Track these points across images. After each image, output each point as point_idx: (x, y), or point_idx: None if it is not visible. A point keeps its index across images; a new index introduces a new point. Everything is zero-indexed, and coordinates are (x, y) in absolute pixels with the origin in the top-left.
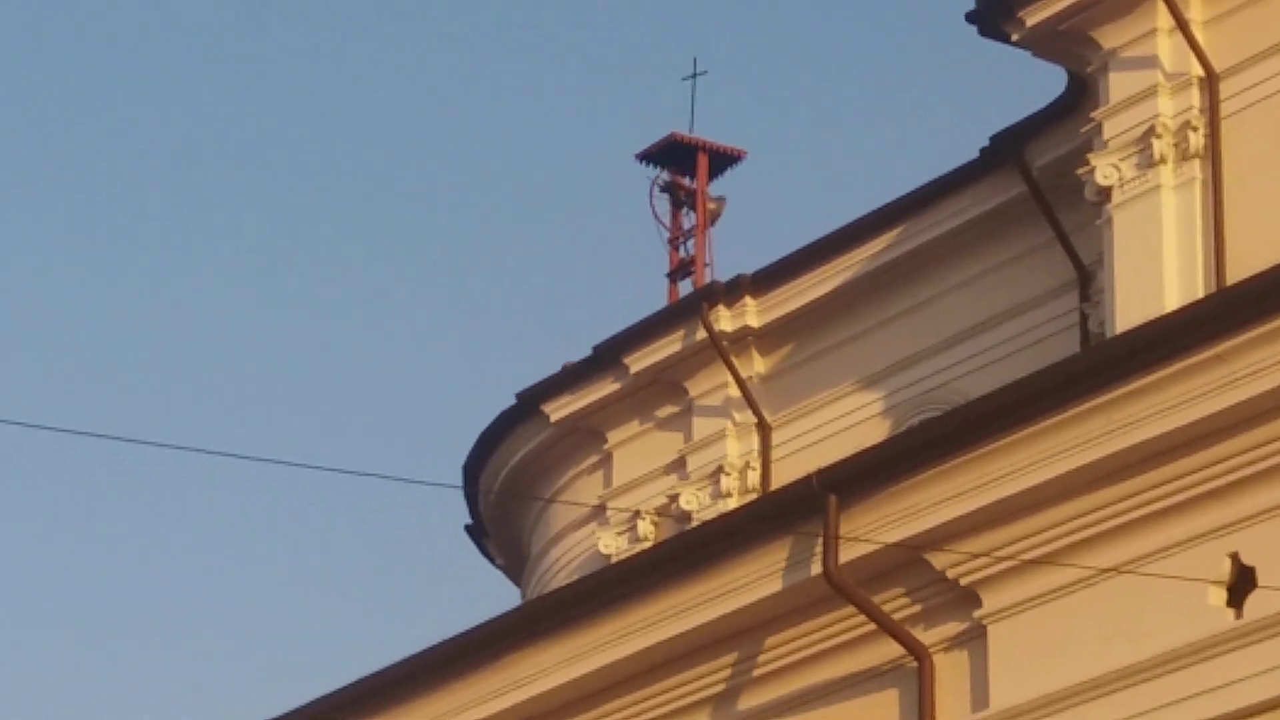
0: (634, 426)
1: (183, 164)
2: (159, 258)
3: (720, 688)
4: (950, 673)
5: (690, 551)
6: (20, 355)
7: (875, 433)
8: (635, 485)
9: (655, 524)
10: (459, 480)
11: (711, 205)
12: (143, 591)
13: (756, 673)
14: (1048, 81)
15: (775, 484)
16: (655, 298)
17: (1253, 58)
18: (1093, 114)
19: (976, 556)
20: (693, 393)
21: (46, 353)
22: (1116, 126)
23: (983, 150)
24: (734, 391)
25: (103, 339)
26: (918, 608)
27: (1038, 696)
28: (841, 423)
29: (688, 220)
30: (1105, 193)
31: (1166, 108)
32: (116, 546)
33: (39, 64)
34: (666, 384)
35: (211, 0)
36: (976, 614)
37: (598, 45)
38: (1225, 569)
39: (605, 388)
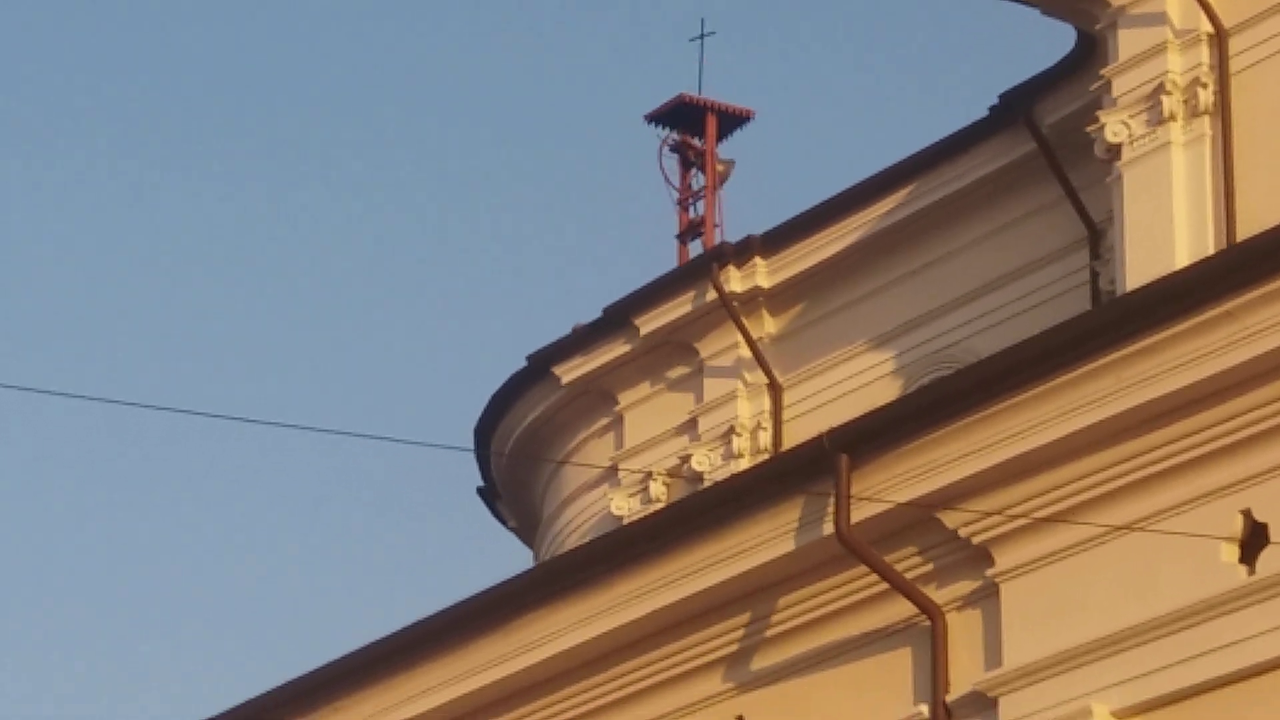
0: (645, 388)
1: (195, 127)
2: (172, 224)
3: (733, 648)
4: (963, 631)
5: (702, 512)
6: (38, 328)
7: (886, 392)
8: (647, 447)
9: (667, 485)
10: (470, 443)
11: (720, 168)
12: (155, 555)
13: (769, 633)
14: (1056, 39)
15: (787, 444)
16: (665, 259)
17: (1262, 14)
18: (1102, 71)
19: (988, 515)
20: (703, 354)
21: (60, 321)
22: (1126, 84)
23: (992, 108)
24: (745, 352)
25: (112, 305)
26: (930, 567)
27: (1050, 654)
28: (852, 382)
29: (697, 181)
30: (1115, 150)
31: (1175, 64)
32: (129, 505)
33: (41, 60)
34: (677, 345)
35: None
36: (989, 573)
37: (604, 7)
38: (1237, 526)
39: (616, 349)
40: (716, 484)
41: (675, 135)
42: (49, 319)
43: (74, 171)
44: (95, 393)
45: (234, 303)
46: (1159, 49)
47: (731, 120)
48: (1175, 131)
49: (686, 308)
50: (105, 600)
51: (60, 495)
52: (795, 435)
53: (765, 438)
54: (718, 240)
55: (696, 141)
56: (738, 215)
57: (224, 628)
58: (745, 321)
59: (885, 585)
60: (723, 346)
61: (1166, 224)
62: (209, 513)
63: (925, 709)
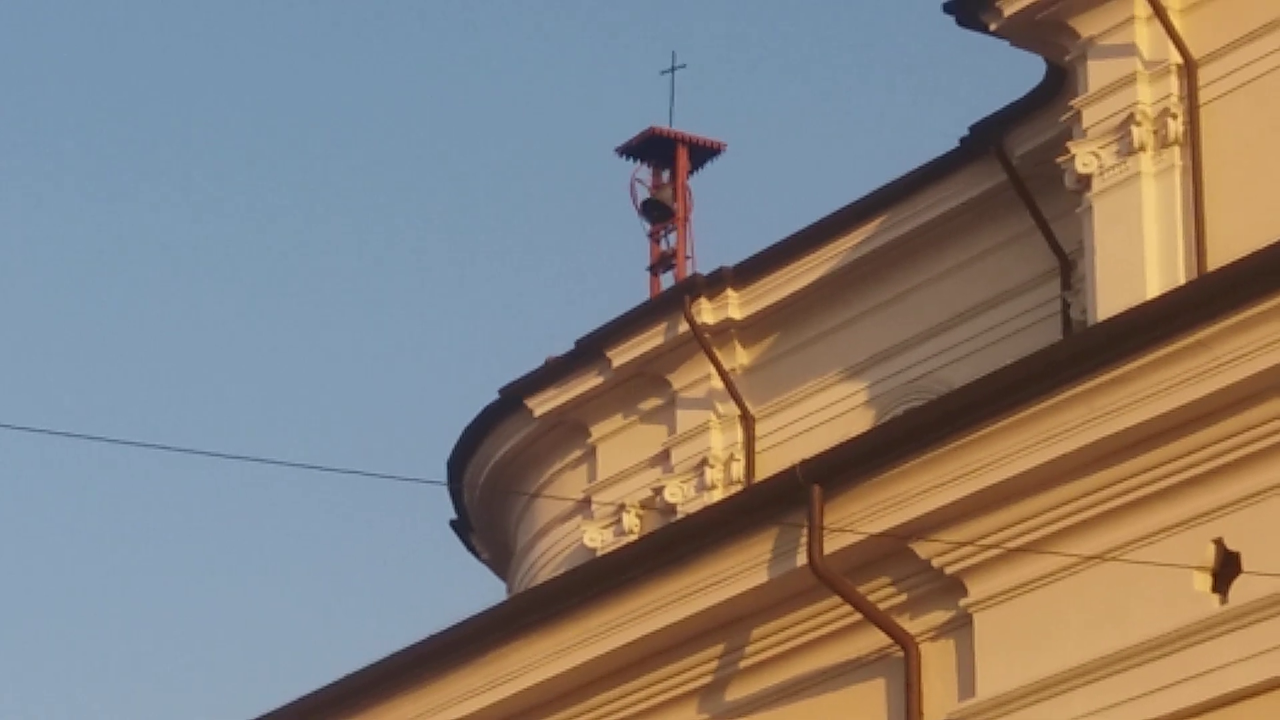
0: (618, 420)
1: (158, 172)
2: (145, 263)
3: (707, 680)
4: (937, 661)
5: (676, 544)
6: (14, 358)
7: (859, 423)
8: (620, 479)
9: (640, 517)
10: (443, 476)
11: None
12: (127, 590)
13: (743, 664)
14: (1026, 71)
15: (760, 475)
16: (637, 291)
17: (1230, 44)
18: (1071, 102)
19: (961, 545)
20: (676, 385)
21: (36, 353)
22: (1095, 115)
23: (963, 140)
24: (717, 384)
25: (88, 341)
26: (903, 597)
27: (1024, 684)
28: (825, 414)
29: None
30: (1085, 181)
31: (1145, 95)
32: (97, 544)
33: (39, 63)
34: (649, 377)
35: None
36: (962, 603)
37: (576, 40)
38: (1210, 555)
39: (588, 382)
40: (690, 516)
41: (649, 172)
42: (25, 350)
43: (48, 185)
44: (67, 424)
45: (208, 337)
46: (1128, 80)
47: (703, 152)
48: (1145, 162)
49: (659, 340)
50: (70, 636)
51: (32, 527)
52: (768, 467)
53: (738, 469)
54: (689, 272)
55: (665, 176)
56: (709, 247)
57: (193, 662)
58: (717, 353)
59: (859, 616)
60: (695, 378)
61: (1137, 254)
62: (179, 546)
63: None
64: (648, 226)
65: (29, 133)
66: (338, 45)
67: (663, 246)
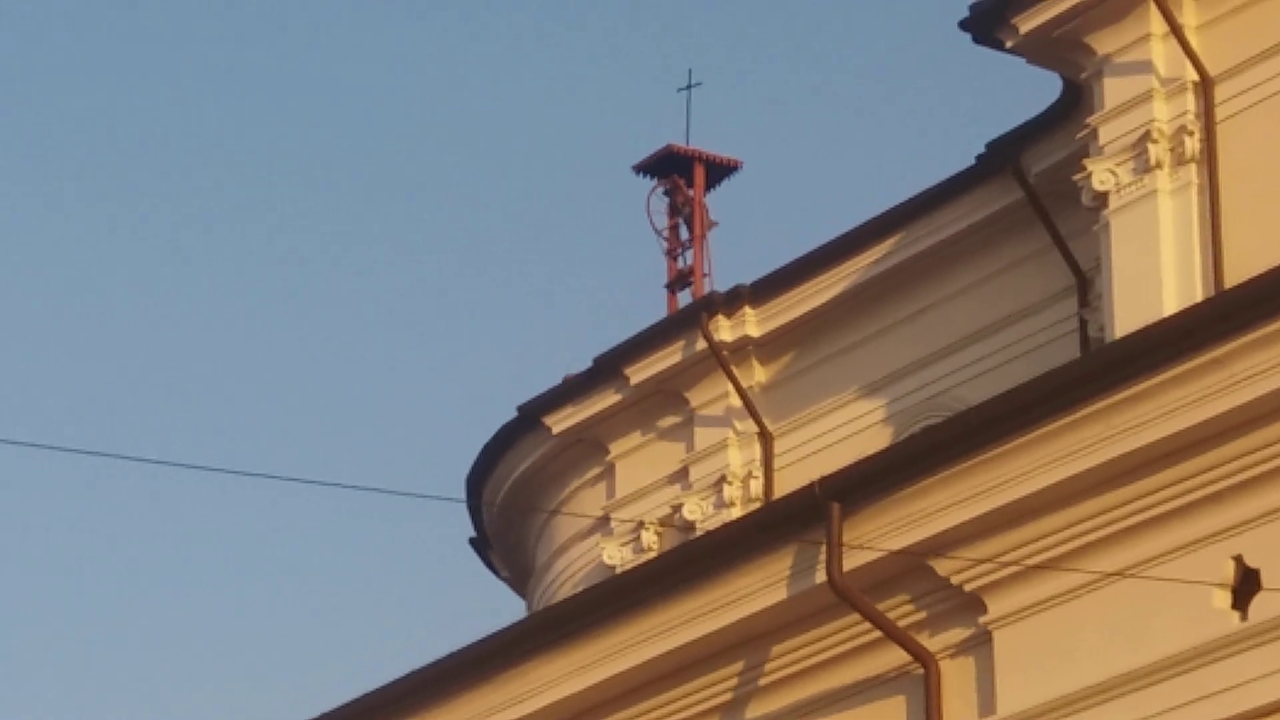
0: (636, 437)
1: (174, 179)
2: (164, 278)
3: (727, 697)
4: (956, 679)
5: (694, 561)
6: (21, 371)
7: (877, 440)
8: (638, 496)
9: (659, 534)
10: (462, 494)
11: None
12: (145, 607)
13: (763, 682)
14: (1043, 88)
15: (778, 493)
16: (654, 309)
17: (1247, 61)
18: (1088, 120)
19: (981, 562)
20: (694, 403)
21: (44, 366)
22: (1112, 132)
23: (979, 157)
24: (735, 401)
25: (109, 357)
26: (923, 614)
27: (1044, 701)
28: (843, 431)
29: (685, 231)
30: (1102, 198)
31: (1162, 112)
32: (120, 561)
33: (38, 63)
34: (667, 394)
35: (214, 3)
36: (982, 620)
37: (593, 57)
38: (1229, 572)
39: (606, 399)
40: (708, 533)
41: (663, 188)
42: (38, 364)
43: (63, 189)
44: (85, 445)
45: (229, 354)
46: (1145, 97)
47: (719, 170)
48: (1162, 179)
49: (676, 357)
50: (91, 651)
51: (52, 545)
52: (786, 484)
53: (756, 486)
54: (707, 290)
55: (686, 188)
56: (727, 264)
57: (213, 680)
58: (735, 370)
59: (878, 633)
60: (713, 395)
61: (1154, 271)
62: (200, 562)
63: None
64: (664, 244)
65: (43, 136)
66: (355, 65)
67: (680, 264)
